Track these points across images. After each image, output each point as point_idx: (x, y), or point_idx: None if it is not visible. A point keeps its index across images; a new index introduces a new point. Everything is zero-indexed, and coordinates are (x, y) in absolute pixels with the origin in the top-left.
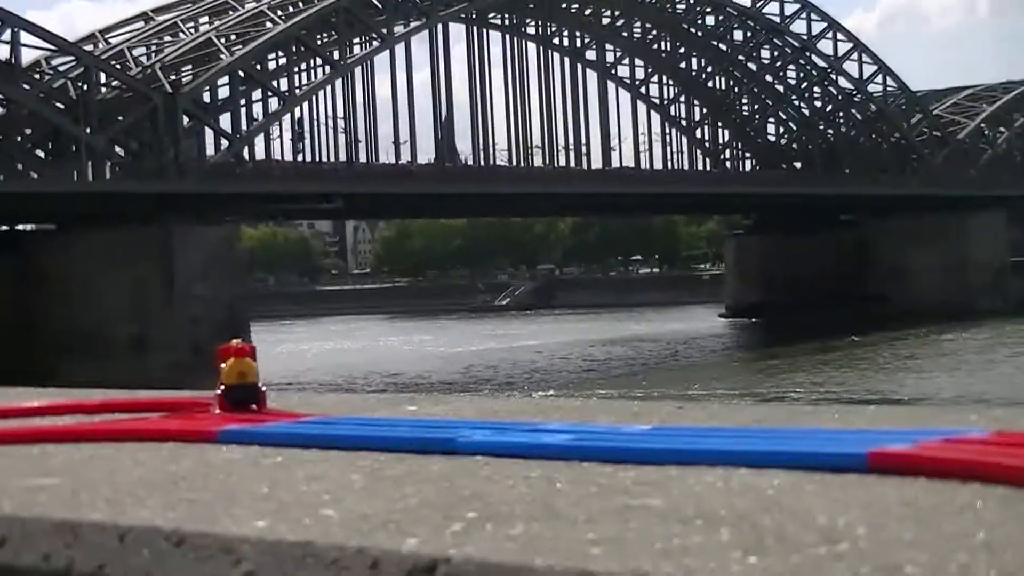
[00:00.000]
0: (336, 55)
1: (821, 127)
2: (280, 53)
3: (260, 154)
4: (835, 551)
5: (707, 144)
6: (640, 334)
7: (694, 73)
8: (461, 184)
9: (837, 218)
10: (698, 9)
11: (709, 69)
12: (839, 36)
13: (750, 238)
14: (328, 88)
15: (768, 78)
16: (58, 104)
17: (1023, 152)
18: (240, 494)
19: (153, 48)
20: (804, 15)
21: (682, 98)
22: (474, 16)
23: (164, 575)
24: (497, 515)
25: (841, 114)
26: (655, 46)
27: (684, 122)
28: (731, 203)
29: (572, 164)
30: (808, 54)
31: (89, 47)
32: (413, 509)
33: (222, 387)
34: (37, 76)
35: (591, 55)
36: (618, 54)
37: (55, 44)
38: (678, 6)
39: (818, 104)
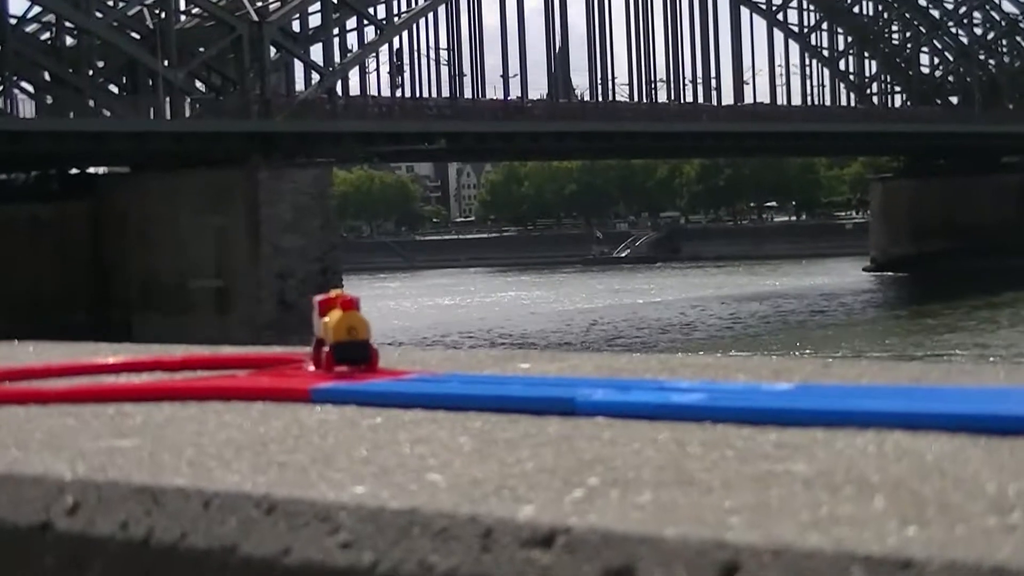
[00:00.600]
0: None
1: (981, 57)
2: None
3: (355, 90)
4: (1006, 522)
5: (852, 77)
6: (776, 290)
7: None
8: (576, 122)
9: (998, 160)
10: None
11: None
12: None
13: (899, 183)
14: (430, 16)
15: (922, 2)
16: (133, 34)
17: None
18: (337, 457)
19: None
20: None
21: (824, 25)
22: None
23: (253, 545)
24: (622, 481)
25: (1004, 42)
26: None
27: (826, 52)
28: (878, 143)
29: (700, 100)
30: None
31: None
32: (529, 474)
33: (329, 344)
34: (110, 3)
35: None
36: None
37: None
38: None
39: (978, 31)
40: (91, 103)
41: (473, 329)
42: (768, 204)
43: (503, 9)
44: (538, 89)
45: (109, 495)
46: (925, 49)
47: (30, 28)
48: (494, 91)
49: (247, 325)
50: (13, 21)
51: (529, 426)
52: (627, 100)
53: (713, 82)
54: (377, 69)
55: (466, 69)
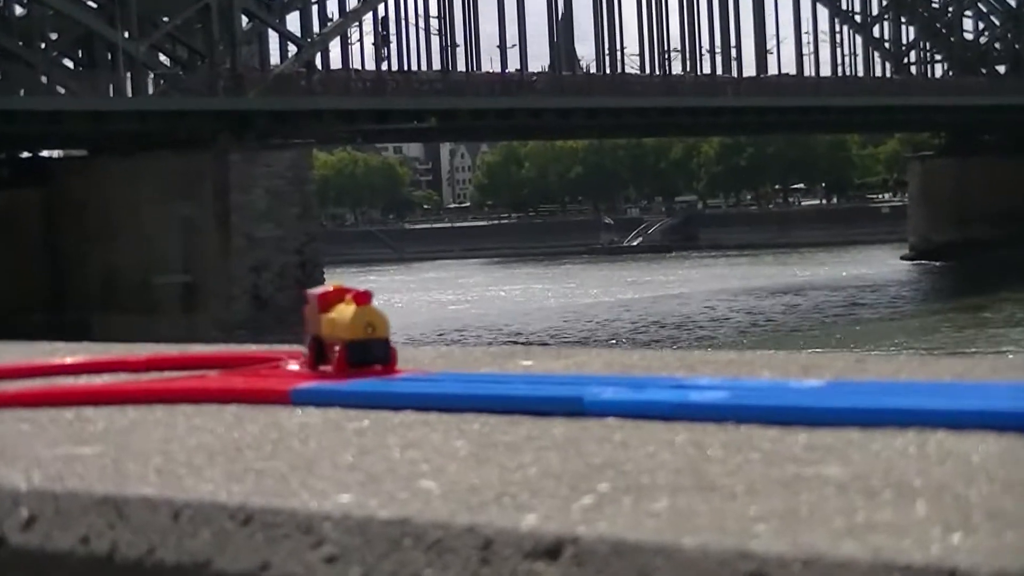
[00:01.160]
0: None
1: None
2: None
3: (336, 63)
4: None
5: (887, 45)
6: (807, 281)
7: None
8: (582, 97)
9: None
10: None
11: None
12: None
13: (940, 161)
14: None
15: None
16: (90, 3)
17: None
18: (319, 464)
19: None
20: None
21: None
22: None
23: (228, 560)
24: (636, 487)
25: None
26: None
27: (858, 18)
28: (916, 118)
29: (719, 72)
30: None
31: None
32: (532, 480)
33: (339, 343)
34: None
35: None
36: None
37: None
38: None
39: None
40: (43, 79)
41: (472, 327)
42: (795, 186)
43: None
44: (539, 61)
45: (68, 507)
46: (969, 13)
47: None
48: (490, 63)
49: (218, 324)
50: None
51: (532, 428)
52: (638, 72)
53: (733, 52)
54: (360, 40)
55: (459, 39)
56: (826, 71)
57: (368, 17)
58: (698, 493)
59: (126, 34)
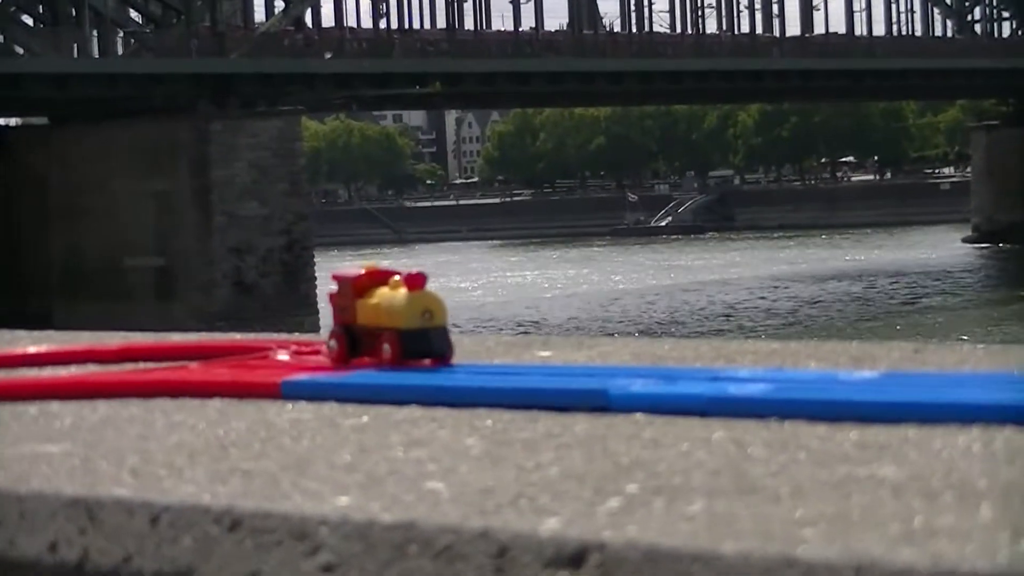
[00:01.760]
0: None
1: None
2: None
3: (328, 20)
4: None
5: (948, 1)
6: (860, 266)
7: None
8: (605, 60)
9: None
10: None
11: None
12: None
13: (1008, 132)
14: None
15: None
16: None
17: None
18: (314, 463)
19: None
20: None
21: None
22: None
23: (213, 569)
24: (668, 488)
25: None
26: None
27: None
28: (981, 83)
29: (759, 31)
30: None
31: None
32: (553, 482)
33: (392, 333)
34: None
35: None
36: None
37: None
38: None
39: None
40: (0, 38)
41: (487, 316)
42: (844, 160)
43: None
44: (557, 18)
45: (34, 510)
46: None
47: None
48: (502, 21)
49: (196, 313)
50: None
51: (552, 424)
52: (668, 32)
53: (775, 8)
54: None
55: None
56: (880, 30)
57: None
58: (738, 496)
59: None
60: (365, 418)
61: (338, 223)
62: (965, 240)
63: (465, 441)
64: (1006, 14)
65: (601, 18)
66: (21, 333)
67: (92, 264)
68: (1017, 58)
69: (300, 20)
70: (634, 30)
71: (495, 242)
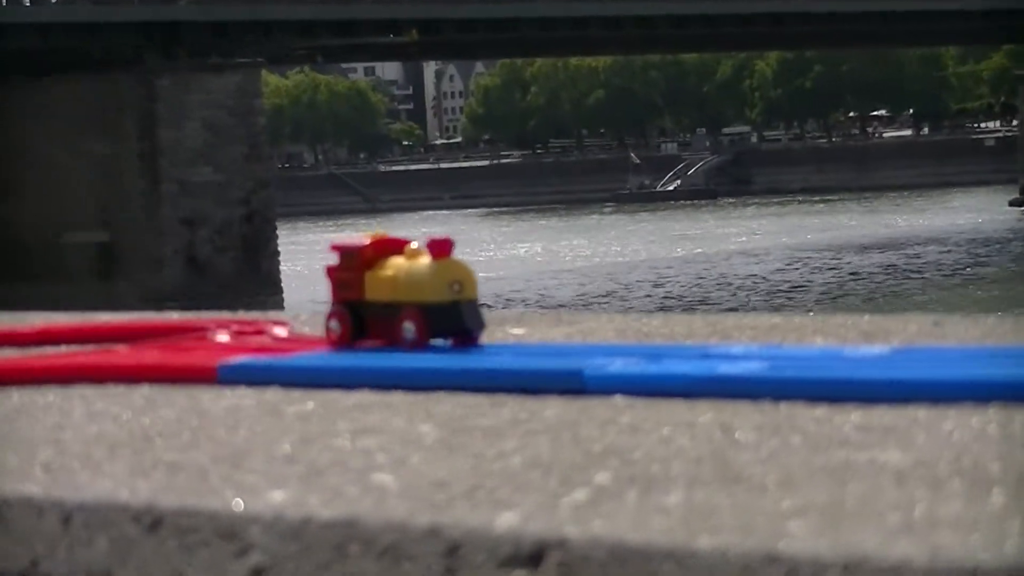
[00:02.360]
0: None
1: None
2: None
3: None
4: None
5: None
6: (901, 233)
7: None
8: (603, 2)
9: None
10: None
11: None
12: None
13: None
14: None
15: None
16: None
17: None
18: (250, 455)
19: None
20: None
21: None
22: None
23: (132, 572)
24: (643, 478)
25: None
26: None
27: None
28: None
29: None
30: None
31: None
32: (514, 472)
33: (415, 309)
34: None
35: None
36: None
37: None
38: None
39: None
40: None
41: (484, 296)
42: (875, 114)
43: None
44: None
45: None
46: None
47: None
48: None
49: (144, 294)
50: None
51: (518, 409)
52: None
53: None
54: None
55: None
56: None
57: None
58: (721, 485)
59: None
60: (310, 404)
61: (303, 191)
62: (1013, 203)
63: (419, 428)
64: None
65: None
66: None
67: (25, 241)
68: None
69: None
70: None
71: (482, 210)
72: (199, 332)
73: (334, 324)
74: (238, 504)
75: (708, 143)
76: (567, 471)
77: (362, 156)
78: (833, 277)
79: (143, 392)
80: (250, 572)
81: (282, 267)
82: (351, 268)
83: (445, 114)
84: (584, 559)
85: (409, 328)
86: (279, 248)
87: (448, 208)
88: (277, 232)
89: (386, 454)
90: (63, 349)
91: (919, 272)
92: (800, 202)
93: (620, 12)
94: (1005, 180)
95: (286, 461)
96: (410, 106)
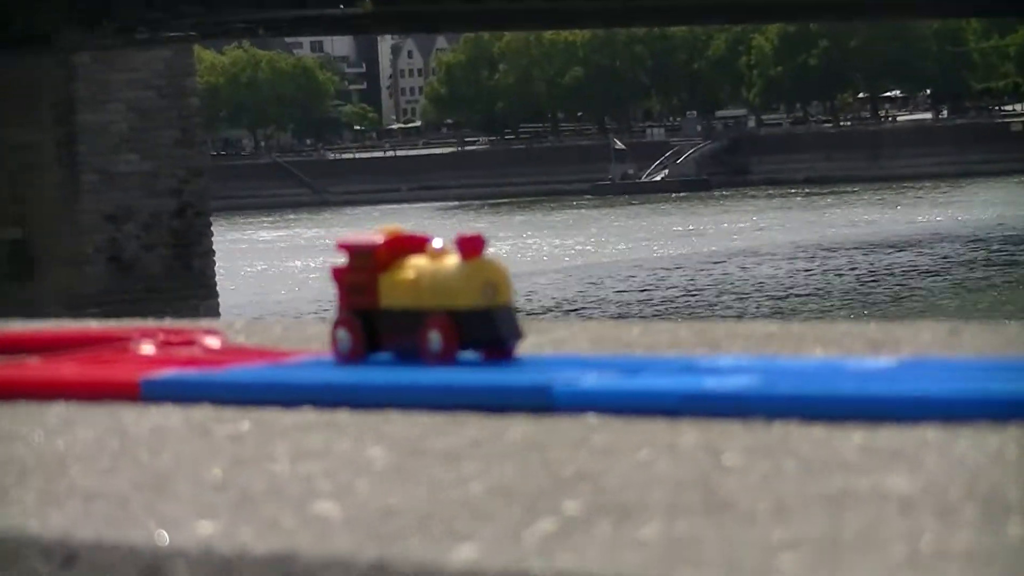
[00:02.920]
0: None
1: None
2: None
3: None
4: None
5: None
6: (920, 231)
7: None
8: None
9: None
10: None
11: None
12: None
13: None
14: None
15: None
16: None
17: None
18: (176, 481)
19: None
20: None
21: None
22: None
23: None
24: (618, 507)
25: None
26: None
27: None
28: None
29: None
30: None
31: None
32: (474, 500)
33: (442, 316)
34: None
35: None
36: None
37: None
38: None
39: None
40: None
41: None
42: (888, 95)
43: None
44: None
45: None
46: None
47: None
48: None
49: (63, 298)
50: None
51: (480, 430)
52: None
53: None
54: None
55: None
56: None
57: None
58: (705, 515)
59: None
60: (245, 424)
61: (242, 181)
62: None
63: (368, 452)
64: None
65: None
66: None
67: None
68: None
69: None
70: None
71: (444, 204)
72: (121, 343)
73: (343, 335)
74: (162, 537)
75: (700, 128)
76: (532, 499)
77: (309, 142)
78: (850, 280)
79: (58, 411)
80: None
81: (218, 267)
82: (363, 269)
83: (402, 95)
84: None
85: (435, 338)
86: (214, 246)
87: (406, 201)
88: (212, 228)
89: (329, 480)
90: None
91: (946, 273)
92: (807, 194)
93: None
94: None
95: (216, 488)
96: (363, 86)
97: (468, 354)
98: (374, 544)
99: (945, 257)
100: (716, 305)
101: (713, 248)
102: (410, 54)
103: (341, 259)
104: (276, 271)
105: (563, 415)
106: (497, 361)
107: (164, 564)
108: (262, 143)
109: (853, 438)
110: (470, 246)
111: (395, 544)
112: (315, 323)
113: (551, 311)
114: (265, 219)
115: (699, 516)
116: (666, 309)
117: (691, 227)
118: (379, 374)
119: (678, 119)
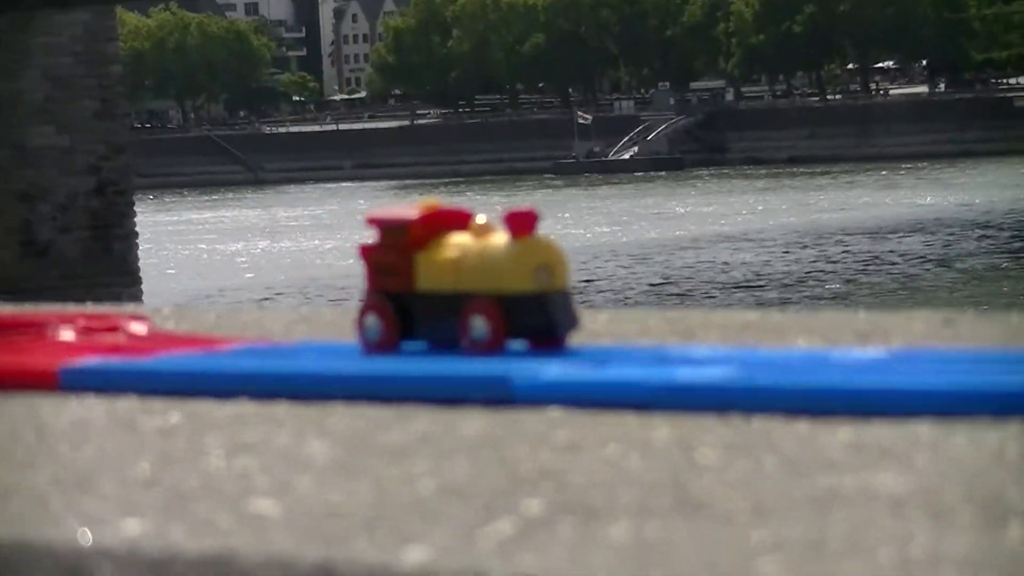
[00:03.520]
0: None
1: None
2: None
3: None
4: None
5: None
6: (922, 215)
7: None
8: None
9: None
10: None
11: None
12: None
13: None
14: None
15: None
16: None
17: None
18: (99, 477)
19: None
20: None
21: None
22: None
23: None
24: (582, 506)
25: None
26: None
27: None
28: None
29: None
30: None
31: None
32: (425, 499)
33: (489, 301)
34: None
35: None
36: None
37: None
38: None
39: None
40: None
41: None
42: (880, 65)
43: None
44: None
45: None
46: None
47: None
48: None
49: None
50: None
51: (432, 423)
52: None
53: None
54: None
55: None
56: None
57: None
58: (679, 515)
59: None
60: (175, 417)
61: (169, 157)
62: None
63: (310, 446)
64: None
65: None
66: None
67: None
68: None
69: None
70: None
71: (392, 182)
72: (37, 328)
73: (372, 321)
74: (85, 536)
75: (673, 101)
76: (489, 498)
77: (242, 115)
78: (844, 268)
79: None
80: None
81: (142, 251)
82: (396, 248)
83: (346, 63)
84: None
85: (480, 325)
86: (137, 228)
87: (350, 180)
88: (135, 208)
89: (268, 476)
90: None
91: (950, 262)
92: (793, 174)
93: None
94: None
95: (144, 485)
96: (302, 52)
97: (516, 343)
98: (317, 545)
99: (949, 245)
100: (691, 294)
101: (688, 232)
102: (354, 18)
103: (369, 236)
104: (211, 256)
105: (522, 408)
106: (548, 351)
107: (88, 565)
108: (191, 115)
109: (839, 435)
110: (521, 223)
111: (340, 546)
112: (251, 309)
113: None
114: (195, 199)
115: (671, 517)
116: (636, 297)
117: (666, 210)
118: (323, 363)
119: (649, 91)
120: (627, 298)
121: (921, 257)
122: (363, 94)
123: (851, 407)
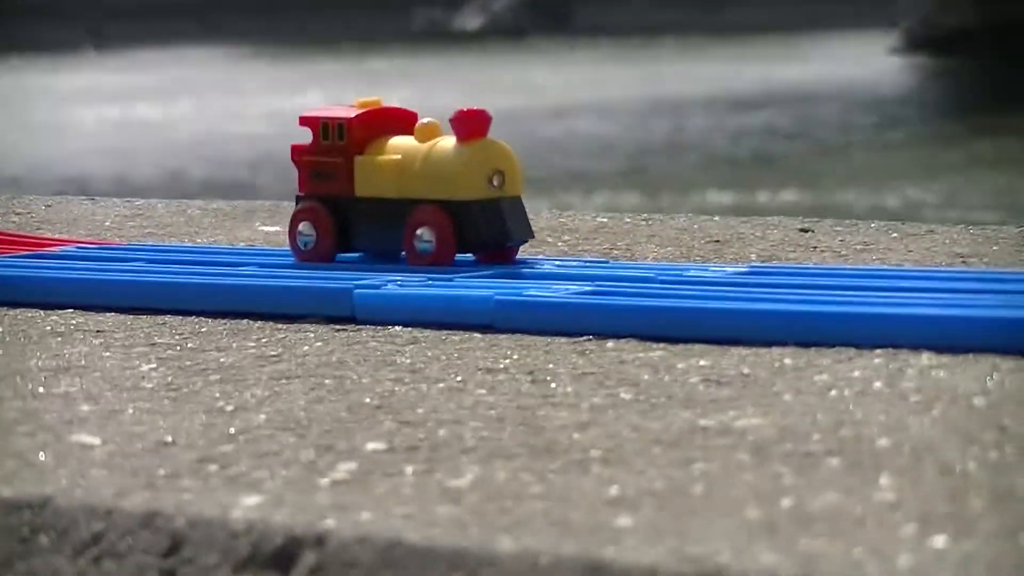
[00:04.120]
0: None
1: None
2: None
3: None
4: None
5: None
6: (759, 90)
7: None
8: None
9: None
10: None
11: None
12: None
13: None
14: None
15: None
16: None
17: None
18: None
19: None
20: None
21: None
22: None
23: None
24: (427, 447)
25: None
26: None
27: None
28: None
29: None
30: None
31: None
32: (258, 437)
33: (437, 210)
34: None
35: None
36: None
37: None
38: None
39: None
40: None
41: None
42: None
43: None
44: None
45: None
46: None
47: None
48: None
49: None
50: None
51: (269, 342)
52: None
53: None
54: None
55: None
56: None
57: None
58: (530, 459)
59: None
60: None
61: None
62: (893, 51)
63: (139, 368)
64: None
65: None
66: None
67: None
68: None
69: None
70: None
71: (228, 48)
72: None
73: (306, 228)
74: None
75: None
76: (326, 436)
77: None
78: (708, 139)
79: None
80: None
81: None
82: (333, 150)
83: None
84: (347, 564)
85: (425, 236)
86: None
87: (198, 42)
88: None
89: (90, 404)
90: None
91: (815, 135)
92: (638, 45)
93: None
94: (884, 24)
95: None
96: None
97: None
98: (140, 492)
99: (808, 118)
100: (540, 171)
101: (539, 103)
102: None
103: (303, 135)
104: (47, 126)
105: (365, 327)
106: (495, 264)
107: None
108: None
109: (697, 364)
110: (471, 124)
111: (164, 494)
112: (83, 202)
113: None
114: (26, 66)
115: (523, 460)
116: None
117: (513, 80)
118: (136, 272)
119: None
120: None
121: (778, 128)
122: None
123: (705, 332)
